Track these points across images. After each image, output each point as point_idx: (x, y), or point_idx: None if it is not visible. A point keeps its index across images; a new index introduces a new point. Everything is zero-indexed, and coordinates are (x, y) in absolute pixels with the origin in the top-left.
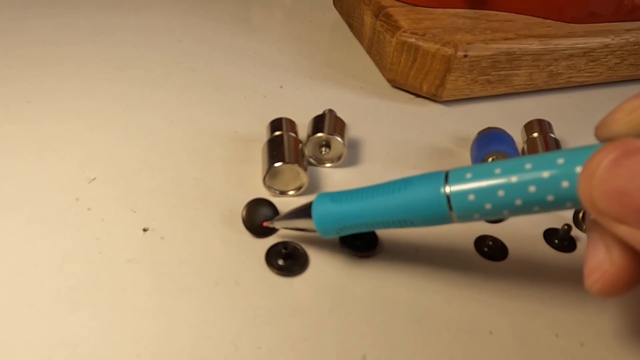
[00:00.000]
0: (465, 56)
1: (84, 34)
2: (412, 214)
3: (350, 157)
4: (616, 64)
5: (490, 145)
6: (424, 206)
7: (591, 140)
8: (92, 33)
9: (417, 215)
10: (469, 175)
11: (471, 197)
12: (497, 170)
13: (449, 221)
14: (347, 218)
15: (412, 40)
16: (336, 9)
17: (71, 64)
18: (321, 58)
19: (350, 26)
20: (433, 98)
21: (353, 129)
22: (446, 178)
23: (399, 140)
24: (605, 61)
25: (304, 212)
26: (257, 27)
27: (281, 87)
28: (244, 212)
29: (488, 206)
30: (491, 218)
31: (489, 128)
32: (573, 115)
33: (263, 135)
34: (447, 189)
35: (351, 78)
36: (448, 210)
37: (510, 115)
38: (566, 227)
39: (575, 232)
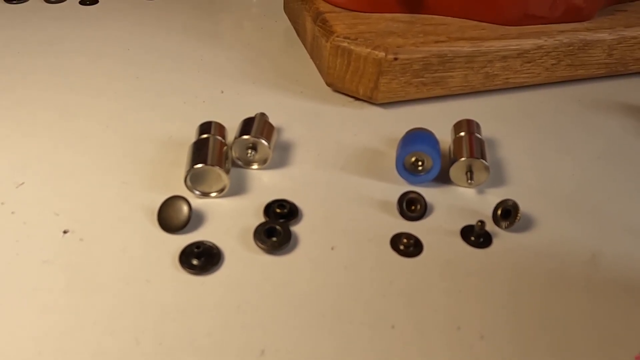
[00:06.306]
0: (396, 59)
1: (33, 45)
2: None
3: (281, 159)
4: (553, 64)
5: (411, 145)
6: None
7: (526, 139)
8: (42, 43)
9: None
10: None
11: None
12: None
13: None
14: None
15: (345, 44)
16: (286, 15)
17: (16, 74)
18: (267, 64)
19: (297, 32)
20: (370, 101)
21: (289, 132)
22: None
23: (331, 143)
24: (541, 62)
25: None
26: (207, 35)
27: (222, 92)
28: (159, 210)
29: None
30: None
31: (415, 128)
32: (510, 116)
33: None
34: None
35: (293, 83)
36: None
37: (446, 117)
38: (480, 223)
39: (493, 228)
